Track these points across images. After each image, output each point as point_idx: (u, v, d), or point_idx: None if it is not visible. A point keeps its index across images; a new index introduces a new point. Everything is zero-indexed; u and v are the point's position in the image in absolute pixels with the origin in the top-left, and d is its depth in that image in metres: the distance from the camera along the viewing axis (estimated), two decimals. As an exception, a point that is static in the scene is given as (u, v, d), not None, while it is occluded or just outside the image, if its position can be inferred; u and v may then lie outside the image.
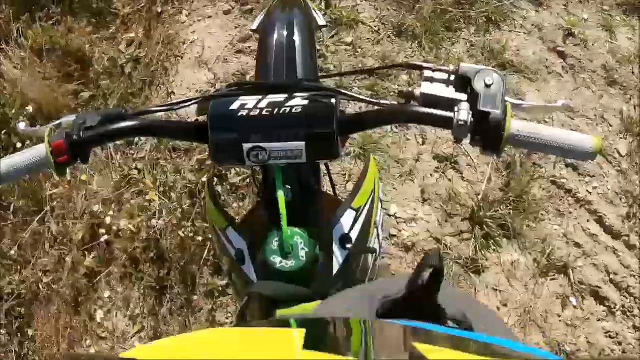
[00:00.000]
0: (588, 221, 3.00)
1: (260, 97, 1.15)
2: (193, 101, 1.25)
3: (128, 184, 3.05)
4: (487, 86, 1.03)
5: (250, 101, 1.14)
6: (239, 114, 1.13)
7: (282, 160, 1.13)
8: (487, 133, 1.02)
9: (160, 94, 3.38)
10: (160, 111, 1.32)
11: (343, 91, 1.17)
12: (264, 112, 1.12)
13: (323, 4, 3.44)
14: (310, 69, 1.45)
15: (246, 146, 1.12)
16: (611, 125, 3.22)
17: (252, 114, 1.12)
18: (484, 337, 0.88)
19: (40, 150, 1.16)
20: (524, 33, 3.46)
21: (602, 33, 3.52)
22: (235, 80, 3.25)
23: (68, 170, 1.39)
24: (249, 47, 3.42)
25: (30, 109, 3.22)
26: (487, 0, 3.48)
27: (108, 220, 2.89)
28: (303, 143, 1.11)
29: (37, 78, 3.36)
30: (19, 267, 3.02)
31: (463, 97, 1.06)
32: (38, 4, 3.62)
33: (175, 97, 3.30)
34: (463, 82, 1.06)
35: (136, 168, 3.08)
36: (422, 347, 0.71)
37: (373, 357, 0.73)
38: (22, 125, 1.32)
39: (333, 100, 1.13)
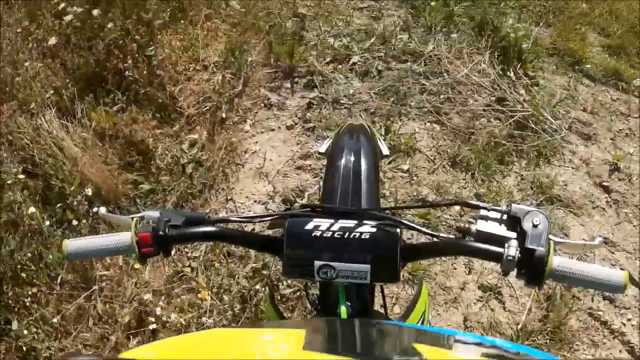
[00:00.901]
0: (620, 352, 3.04)
1: (332, 220, 1.26)
2: (271, 217, 1.37)
3: (180, 280, 3.13)
4: (534, 226, 1.14)
5: (323, 223, 1.25)
6: (313, 234, 1.24)
7: (348, 279, 1.23)
8: (532, 267, 1.13)
9: (219, 199, 3.51)
10: (240, 222, 1.47)
11: (406, 222, 1.28)
12: (335, 235, 1.23)
13: (383, 129, 3.69)
14: (373, 196, 1.60)
15: (317, 264, 1.22)
16: None
17: (325, 235, 1.23)
18: (483, 338, 1.01)
19: (125, 238, 1.27)
20: (572, 168, 3.67)
21: (647, 167, 3.72)
22: (293, 196, 3.44)
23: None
24: (309, 164, 3.62)
25: (89, 191, 3.32)
26: (538, 134, 3.73)
27: (158, 310, 2.98)
28: (368, 266, 1.21)
29: (97, 161, 3.49)
30: (59, 336, 3.02)
31: (512, 234, 1.17)
32: (103, 88, 3.82)
33: (234, 203, 3.47)
34: (513, 221, 1.18)
35: (189, 266, 3.17)
36: (421, 348, 0.80)
37: (373, 357, 0.81)
38: (102, 210, 1.42)
39: (398, 230, 1.24)
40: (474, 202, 1.25)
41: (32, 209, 3.24)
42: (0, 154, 3.56)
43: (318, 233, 1.24)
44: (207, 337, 0.93)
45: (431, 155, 3.65)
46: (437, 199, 3.42)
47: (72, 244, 1.29)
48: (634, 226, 3.46)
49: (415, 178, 3.53)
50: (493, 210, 1.21)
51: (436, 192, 3.46)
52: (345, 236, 1.22)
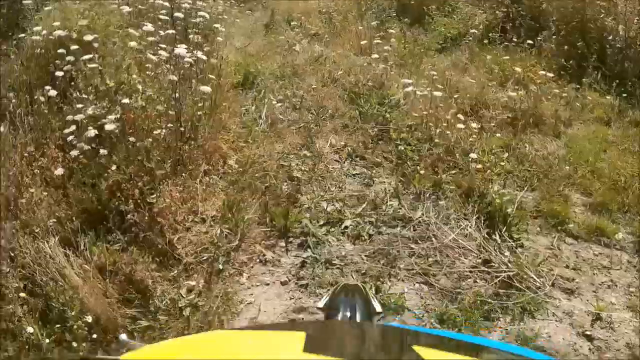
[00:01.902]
0: None
1: None
2: None
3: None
4: None
5: None
6: None
7: None
8: None
9: None
10: None
11: None
12: None
13: (373, 289, 3.92)
14: None
15: None
16: None
17: None
18: (482, 340, 1.17)
19: None
20: (556, 320, 3.87)
21: (627, 314, 3.95)
22: None
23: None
24: (302, 317, 3.81)
25: (89, 318, 3.40)
26: (522, 292, 3.97)
27: None
28: None
29: (98, 292, 3.60)
30: None
31: None
32: (104, 225, 3.99)
33: None
34: None
35: None
36: (420, 350, 0.87)
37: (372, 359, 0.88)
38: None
39: None
40: None
41: (30, 329, 3.35)
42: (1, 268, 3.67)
43: None
44: (209, 339, 0.98)
45: (419, 313, 3.85)
46: None
47: None
48: (616, 376, 3.65)
49: None
50: None
51: None
52: None
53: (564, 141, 5.78)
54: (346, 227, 4.48)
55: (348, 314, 1.84)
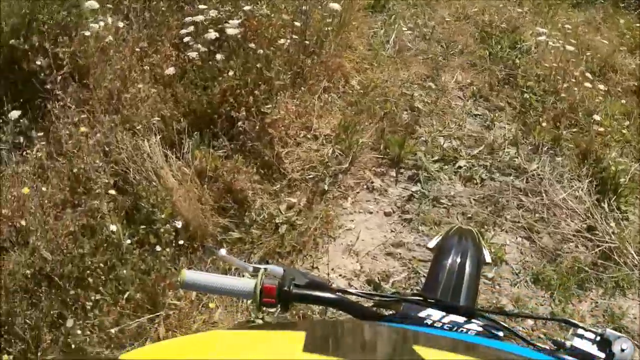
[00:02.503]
0: None
1: (443, 313, 1.35)
2: (388, 298, 1.48)
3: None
4: (622, 350, 1.26)
5: (435, 314, 1.35)
6: (425, 321, 1.33)
7: None
8: None
9: (305, 264, 3.67)
10: (359, 295, 1.47)
11: (513, 330, 1.35)
12: (445, 327, 1.32)
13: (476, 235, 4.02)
14: (472, 297, 1.76)
15: None
16: None
17: (435, 325, 1.32)
18: (482, 340, 1.14)
19: (249, 284, 1.36)
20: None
21: None
22: (378, 279, 3.65)
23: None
24: (400, 253, 3.86)
25: (179, 224, 3.44)
26: (619, 267, 3.99)
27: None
28: None
29: (193, 197, 3.61)
30: (112, 345, 3.10)
31: (602, 355, 1.28)
32: (210, 130, 4.04)
33: (318, 272, 3.63)
34: (605, 343, 1.29)
35: (262, 319, 3.22)
36: (421, 350, 0.86)
37: (372, 359, 0.89)
38: (223, 251, 1.50)
39: (501, 334, 1.33)
40: (574, 321, 1.39)
41: (113, 227, 3.35)
42: (94, 161, 3.67)
43: (429, 322, 1.33)
44: (208, 339, 0.96)
45: (516, 269, 3.92)
46: (514, 310, 3.63)
47: (190, 275, 1.39)
48: None
49: (497, 287, 3.78)
50: (589, 331, 1.32)
51: (515, 304, 3.69)
52: (454, 330, 1.32)
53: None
54: (460, 167, 4.53)
55: (458, 259, 1.87)
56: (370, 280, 3.67)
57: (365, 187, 4.30)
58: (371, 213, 4.12)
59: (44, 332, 3.09)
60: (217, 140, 4.08)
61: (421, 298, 1.38)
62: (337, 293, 1.41)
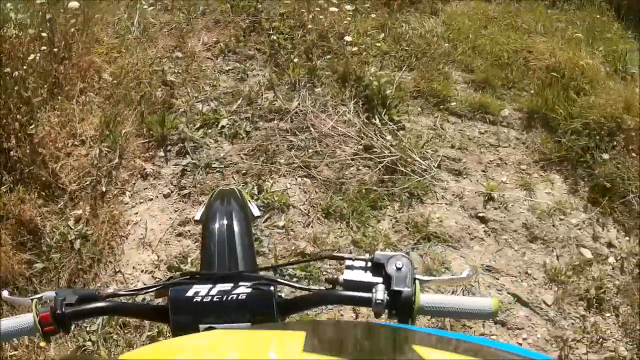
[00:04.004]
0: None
1: (210, 285, 1.34)
2: (154, 288, 1.44)
3: (83, 353, 3.13)
4: (398, 269, 1.26)
5: (202, 289, 1.33)
6: (194, 299, 1.32)
7: None
8: (401, 307, 1.24)
9: (108, 272, 3.56)
10: (127, 295, 1.50)
11: (279, 280, 1.39)
12: (214, 299, 1.31)
13: (256, 189, 3.85)
14: (249, 255, 1.68)
15: (202, 327, 1.31)
16: (535, 279, 3.55)
17: (205, 300, 1.31)
18: (482, 340, 1.07)
19: (29, 320, 1.32)
20: (446, 204, 3.89)
21: (520, 193, 3.99)
22: (177, 263, 3.53)
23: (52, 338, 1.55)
24: (189, 230, 3.73)
25: None
26: (408, 176, 3.94)
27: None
28: (249, 324, 1.30)
29: None
30: None
31: (379, 279, 1.29)
32: None
33: (122, 275, 3.53)
34: (378, 267, 1.30)
35: (90, 340, 3.17)
36: (420, 350, 0.84)
37: (372, 359, 0.86)
38: (5, 293, 1.48)
39: (271, 288, 1.33)
40: (338, 254, 1.38)
41: None
42: None
43: (199, 299, 1.32)
44: (208, 339, 0.95)
45: (305, 209, 3.80)
46: (314, 250, 3.56)
47: None
48: (515, 250, 3.68)
49: (291, 233, 3.67)
50: (357, 259, 1.33)
51: (313, 244, 3.59)
52: (224, 299, 1.31)
53: (442, 18, 5.69)
54: (223, 127, 4.34)
55: (225, 222, 1.77)
56: (171, 266, 3.55)
57: (139, 175, 4.12)
58: (151, 200, 3.97)
59: None
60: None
61: (186, 277, 1.39)
62: (107, 299, 1.41)
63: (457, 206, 3.89)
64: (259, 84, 4.70)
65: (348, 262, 1.33)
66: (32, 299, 1.36)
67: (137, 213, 3.88)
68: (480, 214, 3.84)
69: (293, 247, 3.59)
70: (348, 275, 1.32)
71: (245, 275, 1.38)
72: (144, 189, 4.03)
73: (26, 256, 3.56)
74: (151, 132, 4.31)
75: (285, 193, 3.88)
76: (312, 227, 3.72)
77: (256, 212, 2.17)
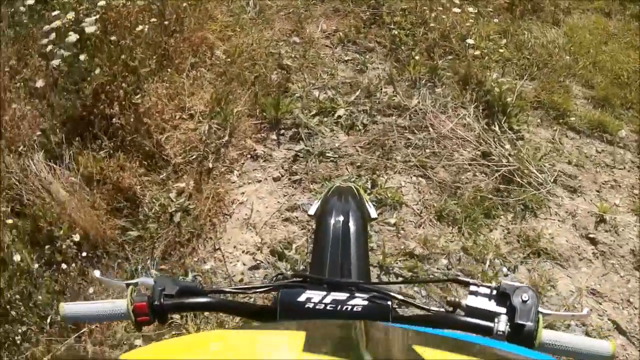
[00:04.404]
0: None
1: (324, 292, 1.29)
2: (264, 288, 1.40)
3: (169, 326, 3.13)
4: (524, 301, 1.21)
5: (315, 295, 1.28)
6: (306, 306, 1.27)
7: None
8: (522, 341, 1.19)
9: (207, 248, 3.55)
10: (233, 292, 1.45)
11: (397, 295, 1.32)
12: (328, 307, 1.26)
13: (369, 183, 3.81)
14: (362, 261, 1.65)
15: None
16: (636, 308, 3.44)
17: (317, 307, 1.26)
18: (480, 339, 1.07)
19: (122, 306, 1.30)
20: (559, 220, 3.79)
21: (632, 218, 3.88)
22: (281, 248, 3.49)
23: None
24: (297, 216, 3.70)
25: (77, 237, 3.35)
26: (524, 188, 3.86)
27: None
28: None
29: (85, 205, 3.51)
30: None
31: (502, 310, 1.24)
32: (90, 132, 3.86)
33: (222, 253, 3.51)
34: (503, 297, 1.25)
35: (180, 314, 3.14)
36: (420, 350, 0.84)
37: (372, 359, 0.85)
38: (97, 273, 1.45)
39: (389, 303, 1.29)
40: (464, 278, 1.31)
41: (17, 257, 3.25)
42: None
43: (310, 305, 1.27)
44: (208, 338, 0.95)
45: (418, 209, 3.75)
46: (423, 252, 3.50)
47: (68, 308, 1.33)
48: (621, 276, 3.57)
49: (402, 232, 3.63)
50: (482, 286, 1.28)
51: (423, 246, 3.54)
52: (338, 309, 1.26)
53: (563, 30, 5.56)
54: (339, 117, 4.31)
55: (340, 221, 1.75)
56: (274, 250, 3.52)
57: (249, 156, 4.11)
58: (260, 181, 3.96)
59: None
60: (97, 141, 3.88)
61: (297, 280, 1.35)
62: (210, 295, 1.38)
63: (569, 224, 3.80)
64: (379, 77, 4.66)
65: (473, 288, 1.29)
66: (127, 284, 1.35)
67: (243, 193, 3.87)
68: (590, 235, 3.75)
69: (402, 247, 3.54)
70: (471, 301, 1.28)
71: (362, 287, 1.33)
72: (253, 170, 4.01)
73: (121, 222, 3.59)
74: (264, 114, 4.29)
75: (399, 191, 3.84)
76: (423, 228, 3.67)
77: (373, 213, 2.14)
